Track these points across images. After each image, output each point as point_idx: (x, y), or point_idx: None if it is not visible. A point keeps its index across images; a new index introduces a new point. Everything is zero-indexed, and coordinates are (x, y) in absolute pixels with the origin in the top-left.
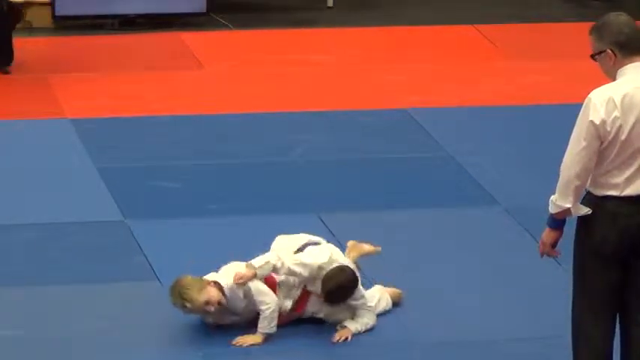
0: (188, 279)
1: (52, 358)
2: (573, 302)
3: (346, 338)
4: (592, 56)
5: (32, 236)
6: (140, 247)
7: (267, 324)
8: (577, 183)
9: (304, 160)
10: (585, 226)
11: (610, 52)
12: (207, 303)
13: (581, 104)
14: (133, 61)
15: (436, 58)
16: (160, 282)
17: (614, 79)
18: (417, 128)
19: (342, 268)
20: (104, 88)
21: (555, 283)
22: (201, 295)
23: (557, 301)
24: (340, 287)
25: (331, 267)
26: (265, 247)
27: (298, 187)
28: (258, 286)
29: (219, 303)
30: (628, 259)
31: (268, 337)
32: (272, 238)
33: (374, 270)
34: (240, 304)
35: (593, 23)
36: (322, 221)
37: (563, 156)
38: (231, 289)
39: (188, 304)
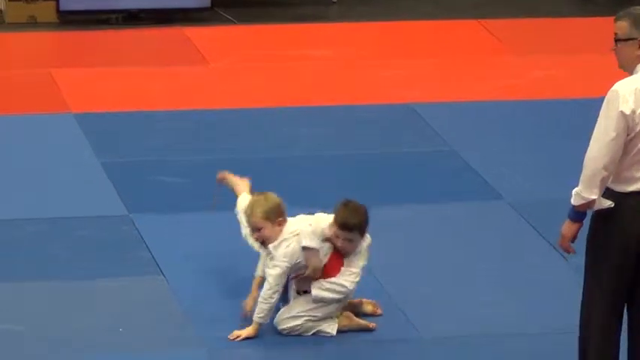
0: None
1: (54, 353)
2: (586, 297)
3: None
4: (617, 40)
5: (36, 231)
6: (144, 241)
7: (260, 311)
8: (604, 174)
9: (307, 155)
10: (604, 222)
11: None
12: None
13: (586, 99)
14: (136, 56)
15: (440, 53)
16: (164, 276)
17: (629, 71)
18: (421, 123)
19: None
20: (108, 83)
21: (560, 278)
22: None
23: (561, 296)
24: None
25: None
26: None
27: (300, 182)
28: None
29: (259, 231)
30: None
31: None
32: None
33: (376, 266)
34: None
35: (619, 12)
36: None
37: (566, 150)
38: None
39: (250, 218)
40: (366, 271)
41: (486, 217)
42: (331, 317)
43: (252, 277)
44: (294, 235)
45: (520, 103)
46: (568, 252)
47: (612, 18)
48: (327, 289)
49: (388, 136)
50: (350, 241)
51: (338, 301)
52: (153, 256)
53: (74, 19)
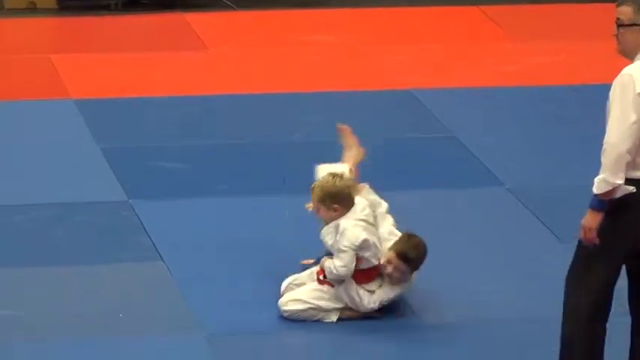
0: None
1: (54, 338)
2: (576, 285)
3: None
4: (619, 25)
5: (36, 216)
6: (144, 227)
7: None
8: (628, 158)
9: (307, 141)
10: (613, 210)
11: None
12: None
13: (587, 86)
14: (136, 41)
15: (440, 39)
16: (164, 262)
17: (631, 58)
18: (421, 109)
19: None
20: (108, 69)
21: (559, 264)
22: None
23: (560, 282)
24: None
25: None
26: (269, 227)
27: (300, 168)
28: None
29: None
30: None
31: None
32: (275, 219)
33: None
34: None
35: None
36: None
37: (566, 137)
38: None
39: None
40: None
41: (486, 203)
42: (335, 309)
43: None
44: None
45: (521, 89)
46: (594, 244)
47: (613, 5)
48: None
49: (388, 122)
50: (401, 272)
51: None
52: (152, 242)
53: (73, 5)
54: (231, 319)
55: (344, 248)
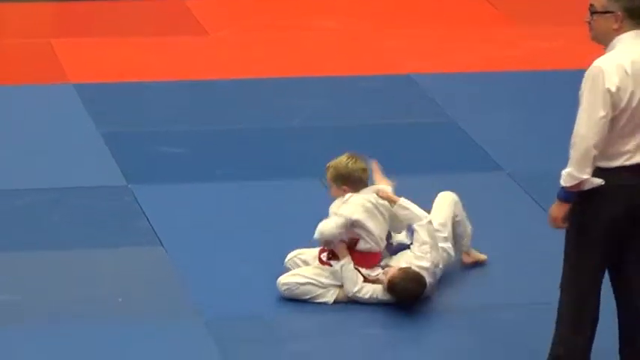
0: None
1: (53, 323)
2: (568, 274)
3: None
4: (592, 12)
5: (35, 201)
6: (143, 212)
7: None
8: (595, 153)
9: (307, 126)
10: (588, 198)
11: (620, 14)
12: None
13: (583, 70)
14: (136, 26)
15: (438, 23)
16: (163, 247)
17: (604, 43)
18: (419, 93)
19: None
20: (108, 54)
21: (559, 249)
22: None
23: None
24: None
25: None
26: (268, 212)
27: (300, 152)
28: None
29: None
30: (632, 232)
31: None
32: (275, 203)
33: None
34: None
35: None
36: (325, 186)
37: (565, 121)
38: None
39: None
40: None
41: (486, 188)
42: (333, 287)
43: None
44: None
45: (520, 73)
46: (562, 227)
47: None
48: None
49: (388, 107)
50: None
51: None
52: (152, 227)
53: None
54: (230, 303)
55: (339, 213)
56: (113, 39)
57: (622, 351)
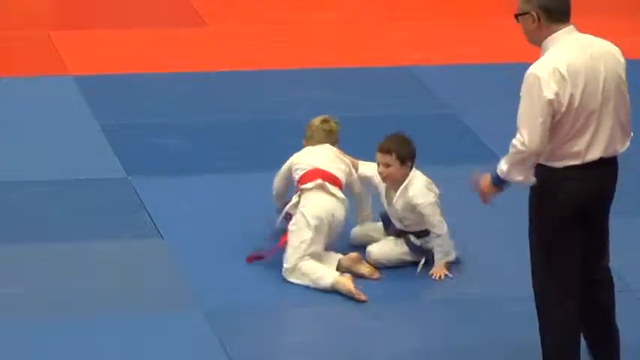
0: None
1: (53, 315)
2: (537, 272)
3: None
4: (515, 16)
5: (35, 193)
6: (143, 204)
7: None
8: (534, 159)
9: (308, 117)
10: (543, 194)
11: (535, 15)
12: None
13: None
14: (136, 18)
15: (439, 15)
16: (163, 239)
17: (537, 44)
18: (419, 85)
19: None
20: (107, 45)
21: None
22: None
23: None
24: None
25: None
26: (268, 204)
27: (301, 144)
28: None
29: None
30: (590, 222)
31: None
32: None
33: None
34: None
35: None
36: None
37: None
38: None
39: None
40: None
41: None
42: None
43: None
44: None
45: (522, 65)
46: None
47: None
48: None
49: (389, 99)
50: (387, 165)
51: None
52: (152, 219)
53: None
54: (229, 295)
55: None
56: (112, 31)
57: (587, 322)
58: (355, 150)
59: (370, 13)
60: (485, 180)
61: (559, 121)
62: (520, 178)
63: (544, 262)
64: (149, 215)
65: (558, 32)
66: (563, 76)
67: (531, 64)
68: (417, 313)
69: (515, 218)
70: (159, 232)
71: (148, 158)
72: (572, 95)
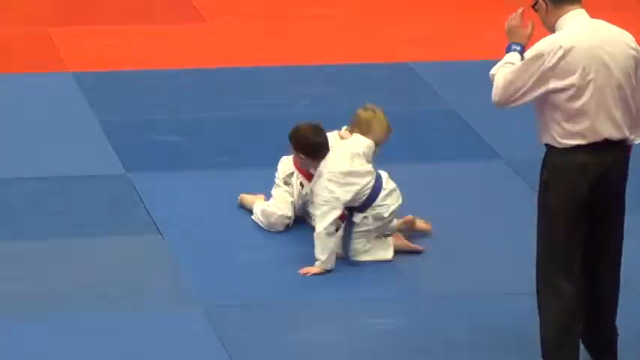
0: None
1: (52, 312)
2: (540, 260)
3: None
4: (532, 7)
5: (34, 189)
6: (142, 200)
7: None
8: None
9: (306, 114)
10: (554, 182)
11: (542, 2)
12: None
13: None
14: (134, 14)
15: (438, 11)
16: (162, 235)
17: (551, 30)
18: (419, 82)
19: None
20: (106, 42)
21: None
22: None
23: None
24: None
25: None
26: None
27: None
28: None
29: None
30: (595, 211)
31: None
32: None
33: None
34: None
35: None
36: None
37: None
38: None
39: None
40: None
41: (484, 176)
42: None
43: None
44: None
45: None
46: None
47: None
48: None
49: (387, 96)
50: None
51: None
52: (151, 216)
53: None
54: (229, 292)
55: None
56: (112, 27)
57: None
58: None
59: (369, 9)
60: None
61: (569, 97)
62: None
63: (544, 238)
64: (148, 212)
65: (567, 14)
66: (564, 53)
67: None
68: (418, 309)
69: (515, 214)
70: (158, 229)
71: (147, 155)
72: (571, 72)
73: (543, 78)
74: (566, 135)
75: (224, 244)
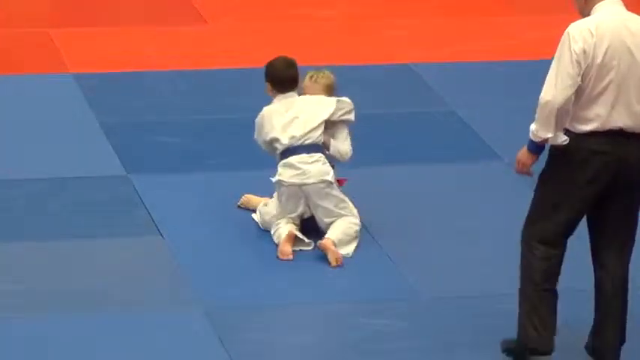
0: None
1: (53, 312)
2: (529, 223)
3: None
4: None
5: (34, 190)
6: (142, 201)
7: None
8: (560, 114)
9: None
10: (563, 160)
11: None
12: None
13: None
14: (135, 15)
15: (438, 13)
16: (162, 236)
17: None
18: (419, 83)
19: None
20: (107, 43)
21: None
22: None
23: None
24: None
25: None
26: None
27: None
28: None
29: None
30: (604, 195)
31: None
32: (272, 192)
33: (374, 226)
34: None
35: None
36: None
37: None
38: None
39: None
40: (363, 231)
41: (485, 177)
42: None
43: None
44: None
45: (519, 63)
46: (528, 175)
47: None
48: None
49: (387, 97)
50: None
51: None
52: (151, 217)
53: None
54: (229, 293)
55: None
56: (112, 28)
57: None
58: (355, 147)
59: (369, 10)
60: (522, 150)
61: (583, 79)
62: (548, 135)
63: (533, 205)
64: (148, 213)
65: (600, 4)
66: (591, 33)
67: (531, 62)
68: (418, 309)
69: (512, 214)
70: (158, 230)
71: (147, 156)
72: (595, 52)
73: (577, 60)
74: (584, 120)
75: (224, 244)
